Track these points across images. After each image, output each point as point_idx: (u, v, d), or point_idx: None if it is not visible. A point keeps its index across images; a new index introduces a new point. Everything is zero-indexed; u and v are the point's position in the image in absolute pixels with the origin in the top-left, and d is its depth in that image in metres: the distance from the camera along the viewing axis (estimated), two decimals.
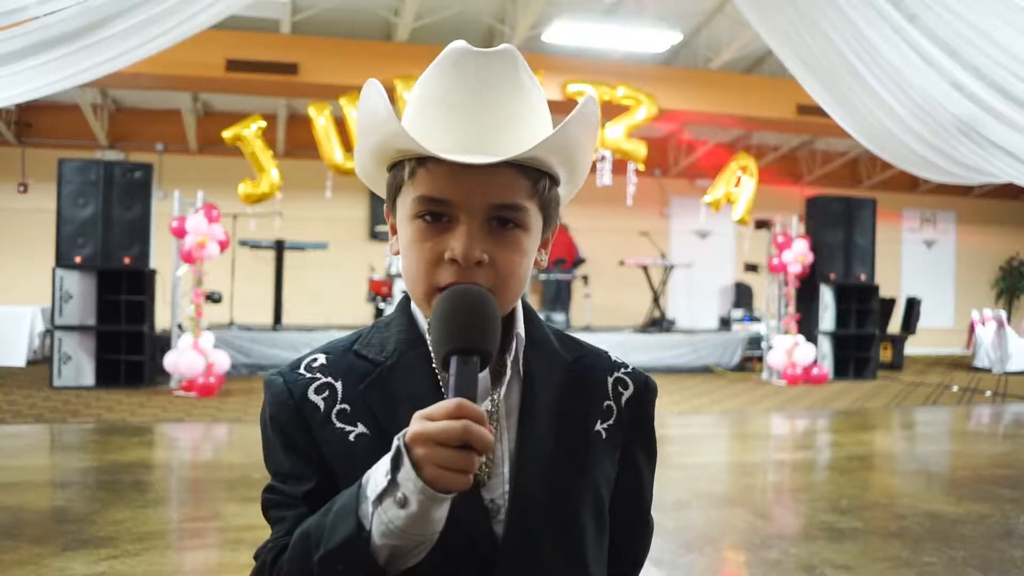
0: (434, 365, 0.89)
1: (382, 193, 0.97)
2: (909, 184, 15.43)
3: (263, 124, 9.27)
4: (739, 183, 10.79)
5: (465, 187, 0.85)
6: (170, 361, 8.44)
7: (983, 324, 13.04)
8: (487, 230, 0.87)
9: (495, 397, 0.90)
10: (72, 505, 4.20)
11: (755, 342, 12.10)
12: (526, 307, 0.99)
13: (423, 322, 0.93)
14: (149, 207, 8.89)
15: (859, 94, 8.31)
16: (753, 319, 12.94)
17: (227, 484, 4.75)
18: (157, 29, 6.06)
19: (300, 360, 0.95)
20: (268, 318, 11.20)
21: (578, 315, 13.52)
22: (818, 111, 9.11)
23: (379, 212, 13.80)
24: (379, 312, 11.39)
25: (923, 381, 10.96)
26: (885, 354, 12.47)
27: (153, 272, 8.97)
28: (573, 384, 0.96)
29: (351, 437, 0.88)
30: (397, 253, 0.94)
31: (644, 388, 1.02)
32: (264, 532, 3.39)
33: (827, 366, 10.80)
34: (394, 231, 0.95)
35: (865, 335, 11.04)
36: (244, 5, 6.69)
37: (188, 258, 8.68)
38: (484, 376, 0.90)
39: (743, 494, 4.90)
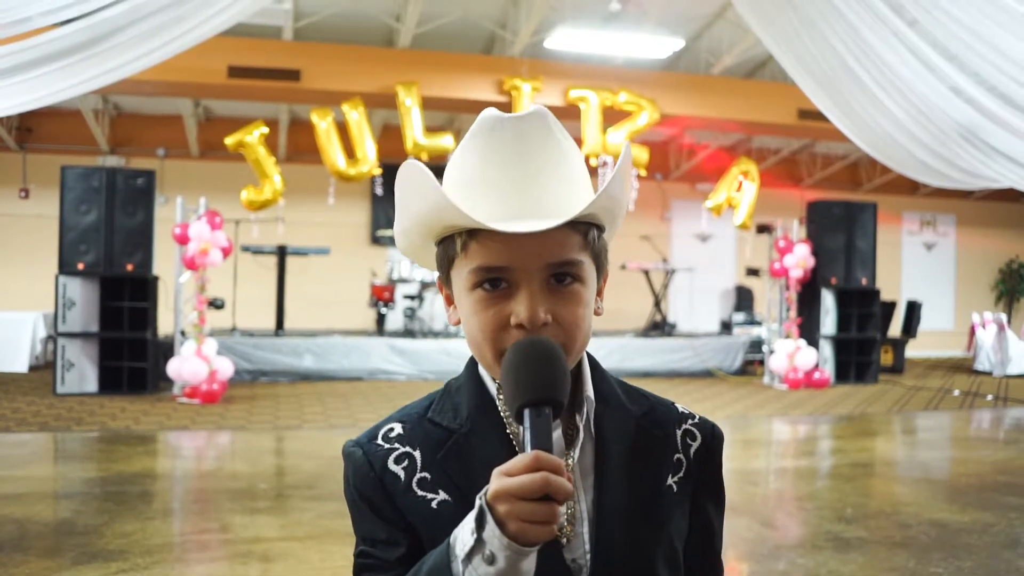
0: (508, 431, 0.92)
1: (430, 267, 0.99)
2: (909, 187, 15.46)
3: (265, 131, 9.28)
4: (740, 188, 10.82)
5: (520, 252, 0.87)
6: (173, 368, 8.45)
7: (983, 327, 13.06)
8: (547, 289, 0.89)
9: (570, 461, 0.92)
10: (80, 517, 4.20)
11: (756, 346, 12.12)
12: (593, 363, 1.00)
13: (491, 385, 0.95)
14: (152, 214, 8.91)
15: (860, 99, 8.33)
16: (754, 323, 12.96)
17: (233, 495, 4.76)
18: (162, 39, 6.08)
19: (377, 429, 0.96)
20: (270, 323, 11.21)
21: None
22: (819, 115, 9.13)
23: (380, 217, 13.81)
24: (381, 317, 11.41)
25: (924, 385, 10.98)
26: (886, 358, 12.49)
27: (156, 279, 8.98)
28: (643, 440, 0.97)
29: (434, 504, 0.90)
30: (457, 323, 0.95)
31: (712, 438, 1.02)
32: (273, 544, 3.42)
33: (828, 370, 10.82)
34: (449, 302, 0.96)
35: (866, 339, 11.06)
36: (249, 14, 6.70)
37: (191, 265, 8.69)
38: (558, 438, 0.92)
39: (749, 502, 4.91)
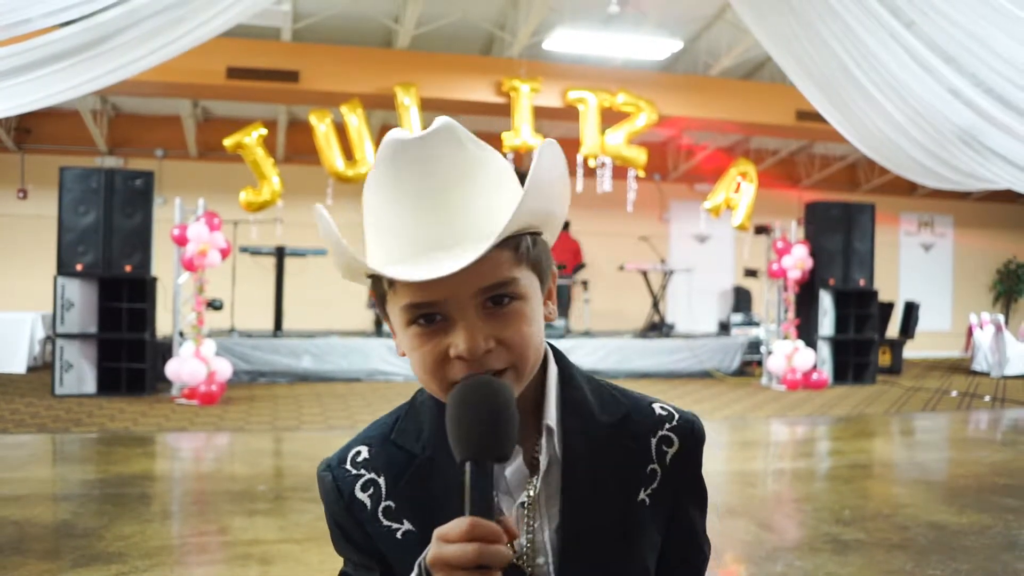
0: None
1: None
2: (907, 188, 15.49)
3: (264, 132, 9.28)
4: (739, 189, 10.83)
5: (448, 284, 0.81)
6: (172, 369, 8.45)
7: (981, 328, 13.09)
8: (485, 314, 0.85)
9: (531, 492, 0.90)
10: (79, 519, 4.21)
11: (754, 346, 12.14)
12: (562, 369, 0.96)
13: None
14: (150, 215, 8.91)
15: (858, 101, 8.35)
16: (752, 323, 12.97)
17: (232, 497, 4.76)
18: (162, 40, 6.08)
19: (346, 452, 0.95)
20: (269, 324, 11.21)
21: (578, 320, 13.53)
22: (817, 117, 9.14)
23: None
24: (379, 318, 11.41)
25: (922, 386, 11.00)
26: (884, 358, 12.52)
27: (154, 280, 8.98)
28: (615, 455, 0.94)
29: (398, 535, 0.90)
30: (403, 354, 0.91)
31: (691, 439, 0.99)
32: (272, 546, 3.43)
33: (826, 371, 10.84)
34: (395, 332, 0.92)
35: (864, 340, 11.08)
36: (249, 15, 6.70)
37: (190, 266, 8.69)
38: (519, 467, 0.90)
39: (747, 504, 4.92)
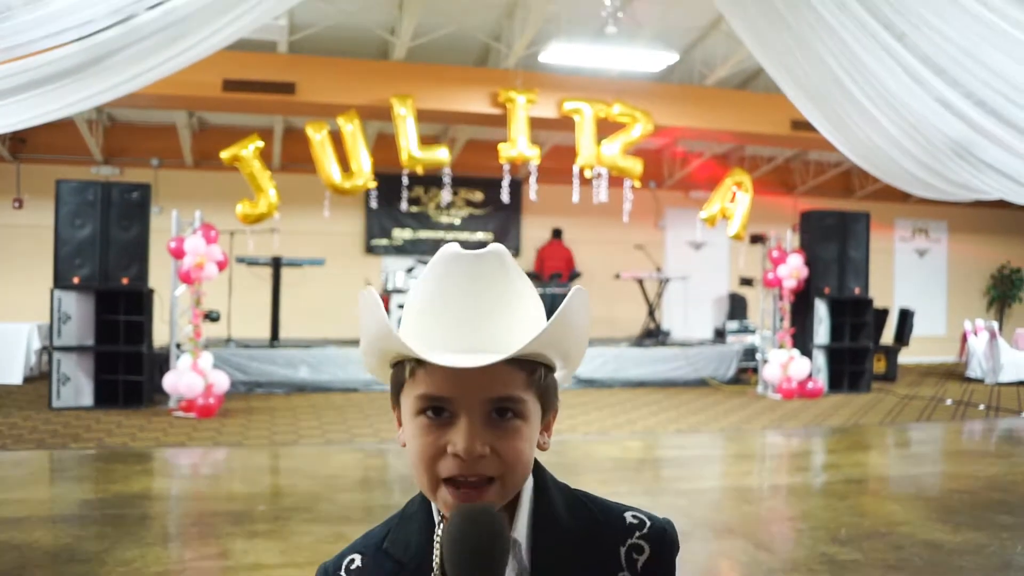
0: None
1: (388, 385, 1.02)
2: (901, 194, 15.50)
3: (260, 144, 9.30)
4: (734, 199, 10.88)
5: (463, 385, 0.90)
6: (169, 382, 8.46)
7: (975, 334, 13.15)
8: (487, 422, 0.91)
9: None
10: (80, 543, 4.22)
11: (750, 353, 12.19)
12: (537, 480, 1.00)
13: (437, 517, 0.97)
14: (147, 228, 8.93)
15: (851, 113, 8.40)
16: (747, 330, 13.02)
17: (233, 517, 4.78)
18: (160, 58, 6.10)
19: (342, 558, 1.00)
20: (265, 333, 11.22)
21: None
22: (811, 126, 9.20)
23: (375, 227, 13.85)
24: None
25: (917, 394, 11.06)
26: (879, 365, 12.58)
27: (151, 292, 8.99)
28: (583, 565, 0.97)
29: None
30: (404, 445, 0.97)
31: (661, 546, 1.01)
32: (275, 571, 3.46)
33: (822, 380, 10.89)
34: (400, 423, 0.99)
35: (859, 348, 11.14)
36: (247, 31, 6.72)
37: (187, 279, 8.71)
38: None
39: (743, 523, 4.96)
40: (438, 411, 0.92)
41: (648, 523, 1.02)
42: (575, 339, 0.97)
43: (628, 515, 1.02)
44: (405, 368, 0.94)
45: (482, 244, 0.99)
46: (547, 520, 0.98)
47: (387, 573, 0.97)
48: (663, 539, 1.02)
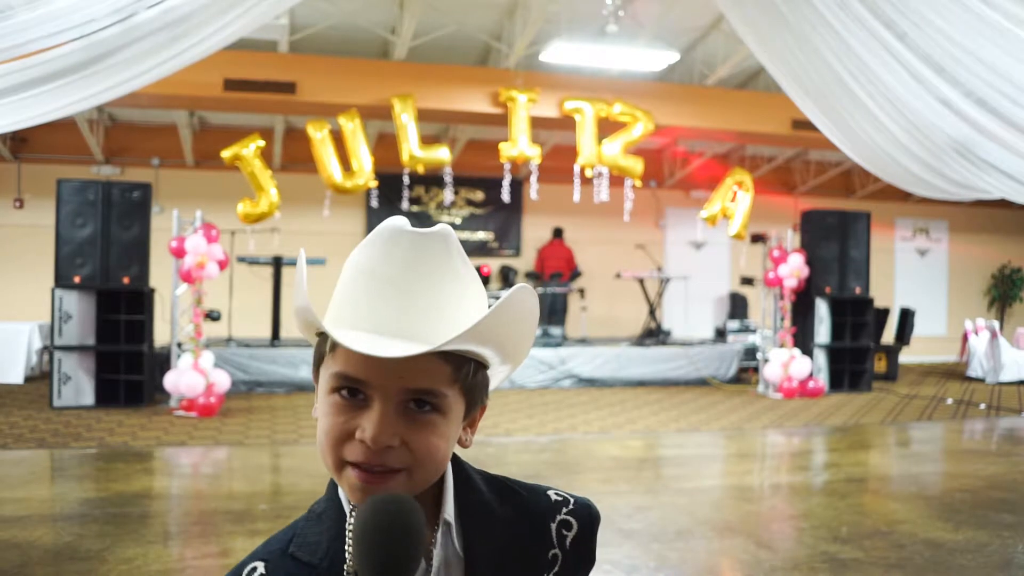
0: None
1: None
2: (902, 194, 15.53)
3: (261, 143, 9.30)
4: (735, 198, 10.88)
5: (381, 370, 0.85)
6: (170, 381, 8.46)
7: (976, 334, 13.14)
8: (402, 412, 0.86)
9: None
10: (81, 542, 4.22)
11: (750, 353, 12.19)
12: (458, 472, 0.97)
13: (348, 507, 0.92)
14: (148, 227, 8.93)
15: (852, 112, 8.40)
16: (748, 330, 13.01)
17: (233, 516, 4.78)
18: (161, 57, 6.10)
19: (240, 569, 0.92)
20: (266, 333, 11.22)
21: (574, 327, 13.58)
22: (812, 126, 9.19)
23: (375, 226, 13.78)
24: None
25: (917, 394, 11.05)
26: (880, 365, 12.58)
27: (152, 291, 9.00)
28: (516, 546, 0.95)
29: None
30: (316, 418, 0.92)
31: (588, 521, 1.01)
32: None
33: (823, 379, 10.89)
34: (317, 396, 0.93)
35: (860, 348, 11.14)
36: (248, 31, 6.72)
37: (187, 278, 8.71)
38: (421, 564, 0.89)
39: (744, 521, 4.96)
40: (353, 392, 0.87)
41: (572, 500, 1.02)
42: (514, 338, 0.91)
43: (551, 493, 1.02)
44: (327, 341, 0.89)
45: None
46: (474, 505, 0.95)
47: None
48: (590, 514, 1.02)
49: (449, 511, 0.93)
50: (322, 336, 0.91)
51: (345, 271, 0.92)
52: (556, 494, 1.02)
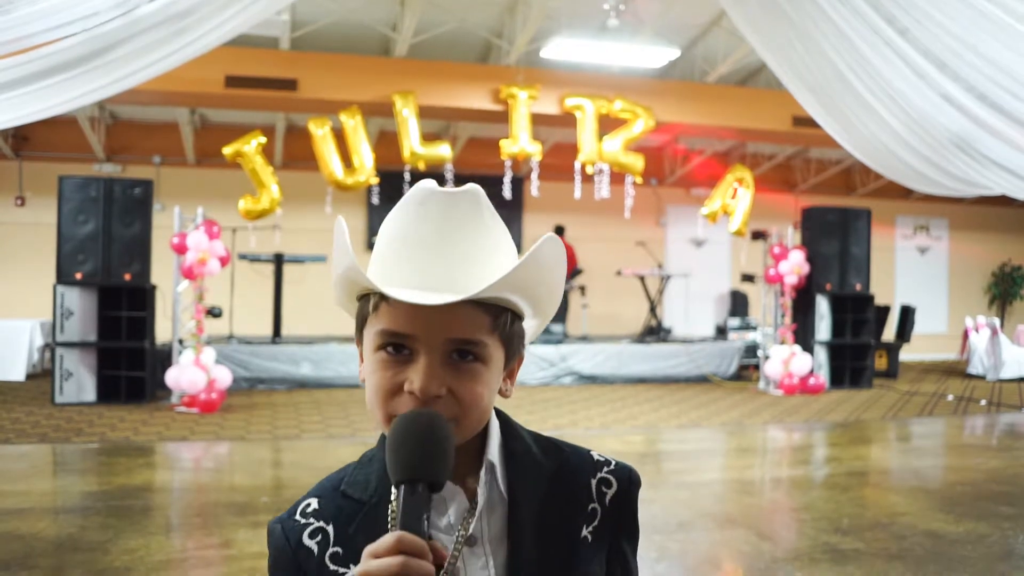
0: None
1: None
2: (902, 192, 15.56)
3: (263, 140, 9.31)
4: (735, 195, 10.89)
5: (425, 323, 0.88)
6: (172, 377, 8.47)
7: (976, 331, 13.14)
8: (447, 363, 0.90)
9: (467, 528, 0.93)
10: (84, 533, 4.23)
11: (751, 350, 12.20)
12: (504, 422, 1.01)
13: None
14: (149, 224, 8.94)
15: (853, 108, 8.40)
16: (749, 327, 13.02)
17: (236, 508, 4.79)
18: (162, 52, 6.11)
19: (297, 506, 0.98)
20: (267, 330, 11.24)
21: (575, 325, 13.58)
22: (813, 123, 9.20)
23: (376, 224, 13.82)
24: None
25: (918, 390, 11.06)
26: (880, 362, 12.58)
27: (154, 288, 9.01)
28: (557, 495, 0.98)
29: None
30: (363, 381, 0.96)
31: (628, 483, 1.04)
32: None
33: (823, 376, 10.89)
34: (362, 359, 0.97)
35: (861, 344, 11.15)
36: (249, 26, 6.73)
37: (189, 274, 8.72)
38: (462, 504, 0.94)
39: (746, 514, 4.97)
40: (398, 348, 0.90)
41: (613, 462, 1.05)
42: (545, 287, 0.95)
43: (594, 453, 1.06)
44: (370, 302, 0.93)
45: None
46: (519, 452, 0.99)
47: (347, 513, 0.96)
48: (629, 476, 1.05)
49: (494, 453, 0.97)
50: (363, 299, 0.95)
51: (380, 238, 0.96)
52: (598, 455, 1.05)
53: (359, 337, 0.97)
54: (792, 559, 4.08)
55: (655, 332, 12.63)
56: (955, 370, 13.94)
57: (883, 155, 8.88)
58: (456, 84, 10.51)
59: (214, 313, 9.47)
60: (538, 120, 10.56)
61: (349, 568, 0.92)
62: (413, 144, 9.98)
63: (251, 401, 9.11)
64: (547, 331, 11.69)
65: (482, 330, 0.91)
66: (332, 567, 0.93)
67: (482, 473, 0.95)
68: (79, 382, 8.68)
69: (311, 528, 0.95)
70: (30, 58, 5.52)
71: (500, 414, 1.01)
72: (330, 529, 0.95)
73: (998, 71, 6.97)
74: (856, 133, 8.79)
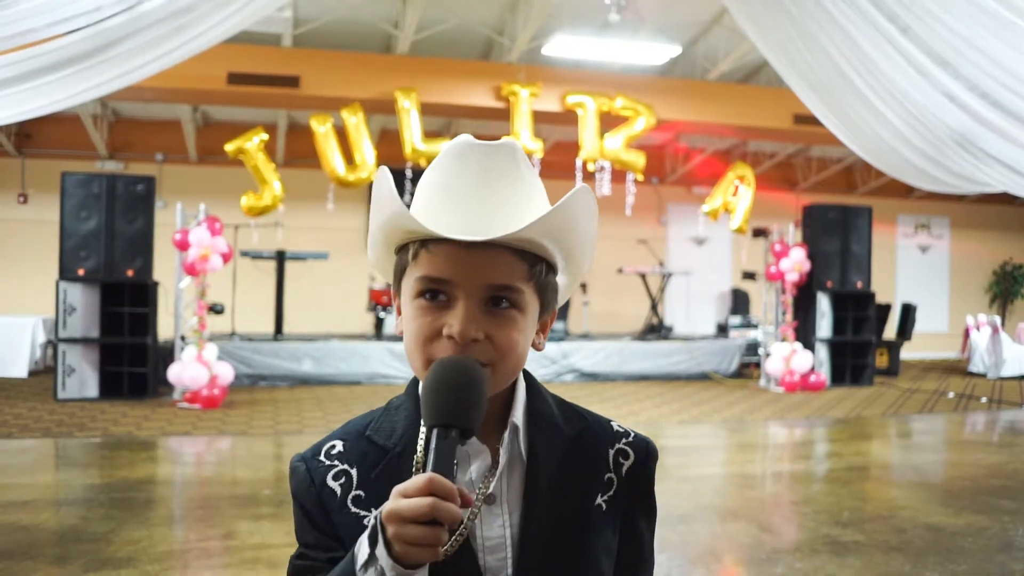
0: None
1: (390, 278, 1.03)
2: (903, 190, 15.56)
3: (265, 137, 9.33)
4: (736, 193, 10.90)
5: (464, 268, 0.91)
6: (174, 373, 8.49)
7: (977, 329, 13.15)
8: (484, 309, 0.92)
9: (487, 486, 0.94)
10: (87, 524, 4.25)
11: (752, 348, 12.20)
12: (530, 383, 1.03)
13: None
14: (152, 220, 8.96)
15: (855, 105, 8.41)
16: (750, 325, 13.03)
17: (238, 501, 4.81)
18: (164, 48, 6.13)
19: (321, 446, 1.01)
20: (269, 327, 11.25)
21: (576, 322, 13.59)
22: (814, 120, 9.21)
23: None
24: (379, 321, 11.46)
25: (919, 388, 11.07)
26: (881, 360, 12.59)
27: (156, 284, 9.02)
28: (575, 461, 1.00)
29: (365, 521, 0.92)
30: (402, 333, 0.98)
31: (645, 455, 1.05)
32: (279, 551, 3.48)
33: (824, 373, 10.90)
34: (399, 312, 1.00)
35: (862, 342, 11.16)
36: (251, 22, 6.75)
37: (191, 271, 8.74)
38: (487, 458, 0.96)
39: (746, 507, 4.98)
40: (436, 294, 0.93)
41: (632, 433, 1.07)
42: (578, 236, 0.98)
43: (613, 424, 1.07)
44: (409, 251, 0.95)
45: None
46: (542, 415, 1.01)
47: (371, 458, 0.97)
48: (647, 448, 1.06)
49: (518, 415, 0.98)
50: (402, 251, 0.98)
51: (420, 189, 0.99)
52: (619, 426, 1.07)
53: (396, 288, 1.00)
54: (792, 550, 4.09)
55: (656, 330, 12.64)
56: (956, 368, 13.95)
57: (885, 152, 8.89)
58: (457, 81, 10.53)
59: (216, 310, 9.49)
60: (539, 117, 10.57)
61: (370, 511, 0.94)
62: (415, 141, 10.00)
63: (253, 397, 9.13)
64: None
65: (519, 277, 0.93)
66: (354, 509, 0.95)
67: (506, 434, 0.97)
68: (81, 378, 8.70)
69: (335, 470, 0.97)
70: (33, 54, 5.53)
71: (528, 376, 1.03)
72: (354, 472, 0.97)
73: (999, 68, 6.98)
74: (858, 130, 8.81)
